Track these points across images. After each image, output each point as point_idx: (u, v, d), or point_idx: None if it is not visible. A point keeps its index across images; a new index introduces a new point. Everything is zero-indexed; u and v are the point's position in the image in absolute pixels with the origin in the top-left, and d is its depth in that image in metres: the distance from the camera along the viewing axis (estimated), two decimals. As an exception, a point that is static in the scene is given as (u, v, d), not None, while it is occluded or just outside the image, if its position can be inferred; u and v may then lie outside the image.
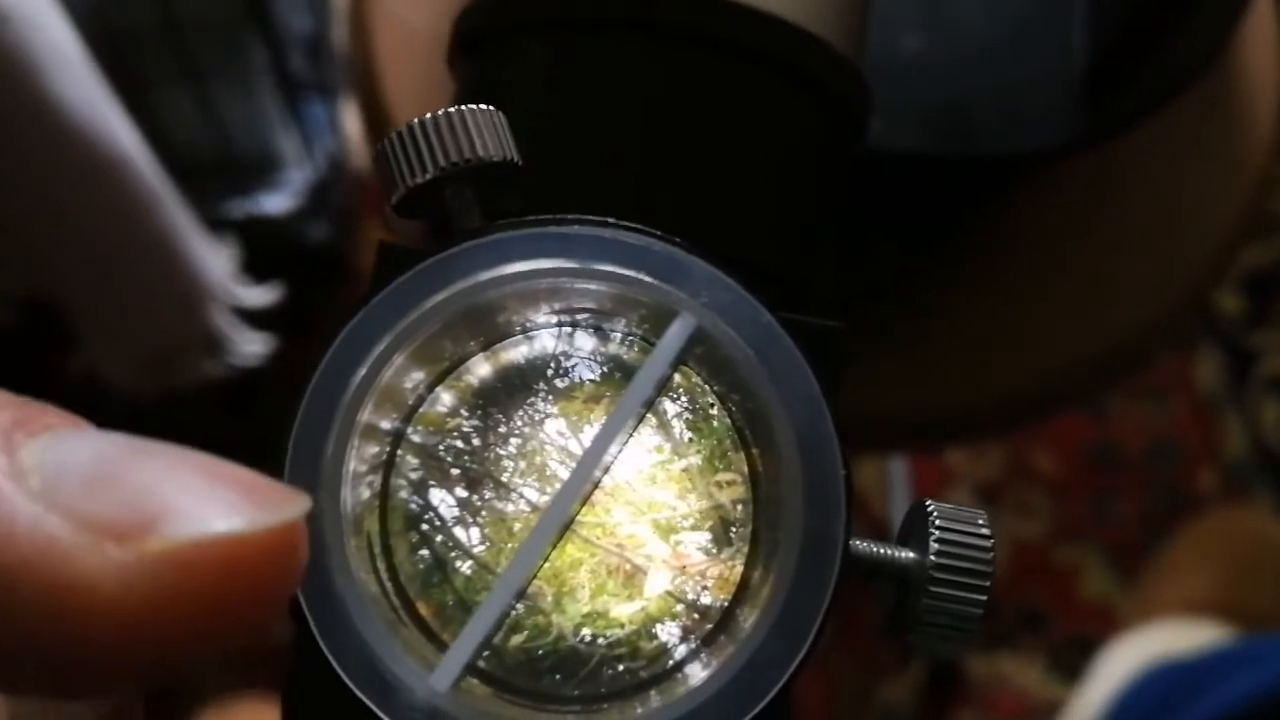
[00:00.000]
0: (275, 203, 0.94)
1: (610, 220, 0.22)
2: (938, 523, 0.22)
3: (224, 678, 0.97)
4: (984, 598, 0.22)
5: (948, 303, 0.59)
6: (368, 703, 0.20)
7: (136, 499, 0.16)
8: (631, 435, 0.23)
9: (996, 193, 0.60)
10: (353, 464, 0.22)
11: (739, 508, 0.23)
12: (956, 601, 0.22)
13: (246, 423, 0.96)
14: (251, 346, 0.88)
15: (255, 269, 0.88)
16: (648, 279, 0.22)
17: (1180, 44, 0.52)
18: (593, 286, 0.23)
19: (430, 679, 0.21)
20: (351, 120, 1.02)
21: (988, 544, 0.22)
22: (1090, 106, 0.55)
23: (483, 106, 0.23)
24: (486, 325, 0.23)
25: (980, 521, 0.23)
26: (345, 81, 1.01)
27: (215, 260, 0.84)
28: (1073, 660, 1.01)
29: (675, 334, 0.22)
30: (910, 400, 0.58)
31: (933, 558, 0.22)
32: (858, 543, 0.22)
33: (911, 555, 0.23)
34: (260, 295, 0.88)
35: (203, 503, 0.16)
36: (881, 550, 0.23)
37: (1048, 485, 1.10)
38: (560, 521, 0.22)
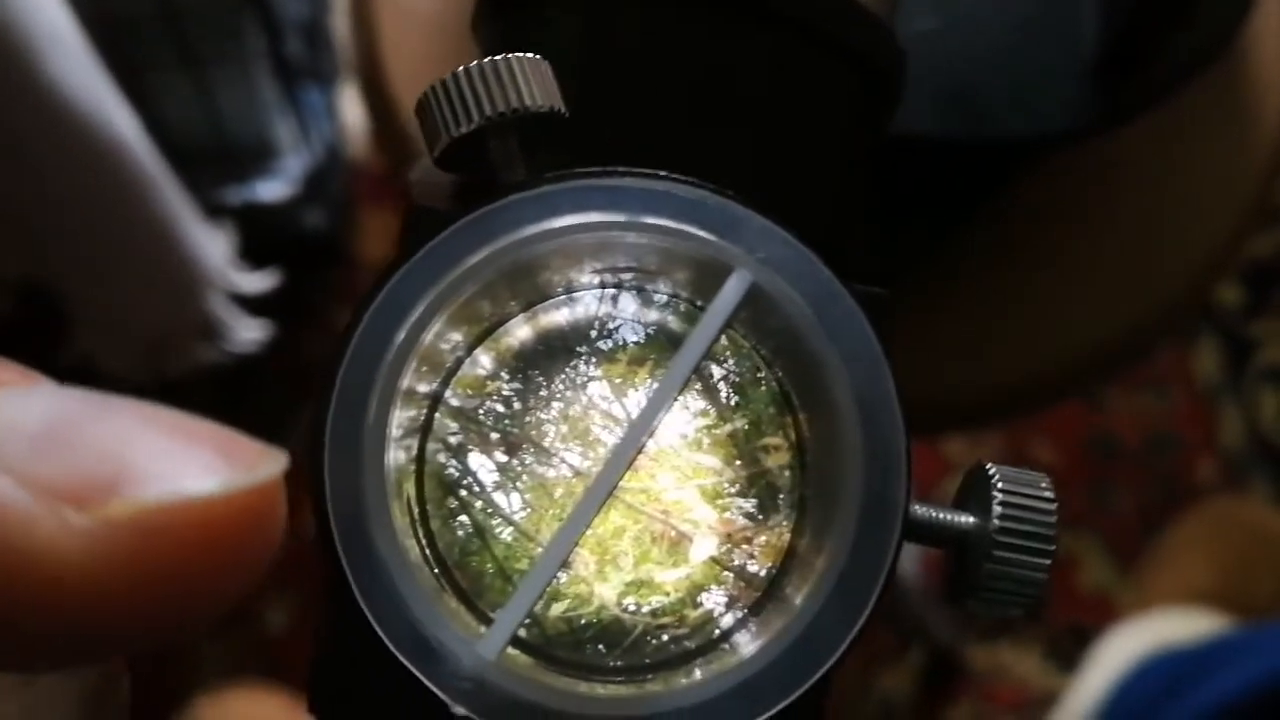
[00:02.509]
0: (272, 189, 0.94)
1: (662, 173, 0.21)
2: (1000, 485, 0.22)
3: (218, 665, 0.97)
4: (1048, 562, 0.21)
5: (952, 289, 0.59)
6: (415, 671, 0.20)
7: (95, 459, 0.14)
8: (677, 399, 0.22)
9: (1004, 178, 0.59)
10: (392, 428, 0.21)
11: (785, 474, 0.22)
12: (1020, 566, 0.21)
13: (244, 409, 0.95)
14: (248, 333, 0.88)
15: (252, 256, 0.88)
16: (701, 233, 0.21)
17: (1190, 31, 0.51)
18: (643, 241, 0.22)
19: (478, 647, 0.20)
20: (349, 107, 1.01)
21: (1051, 507, 0.22)
22: (1100, 92, 0.55)
23: (529, 55, 0.22)
24: (527, 285, 0.22)
25: (1043, 484, 0.22)
26: (342, 68, 1.00)
27: (212, 246, 0.84)
28: (1071, 650, 1.01)
29: (732, 290, 0.21)
30: (912, 388, 0.57)
31: (996, 521, 0.21)
32: (917, 507, 0.21)
33: (972, 519, 0.22)
34: (257, 282, 0.87)
35: (172, 462, 0.14)
36: (941, 515, 0.22)
37: (1046, 474, 1.10)
38: (610, 488, 0.21)
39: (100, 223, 0.77)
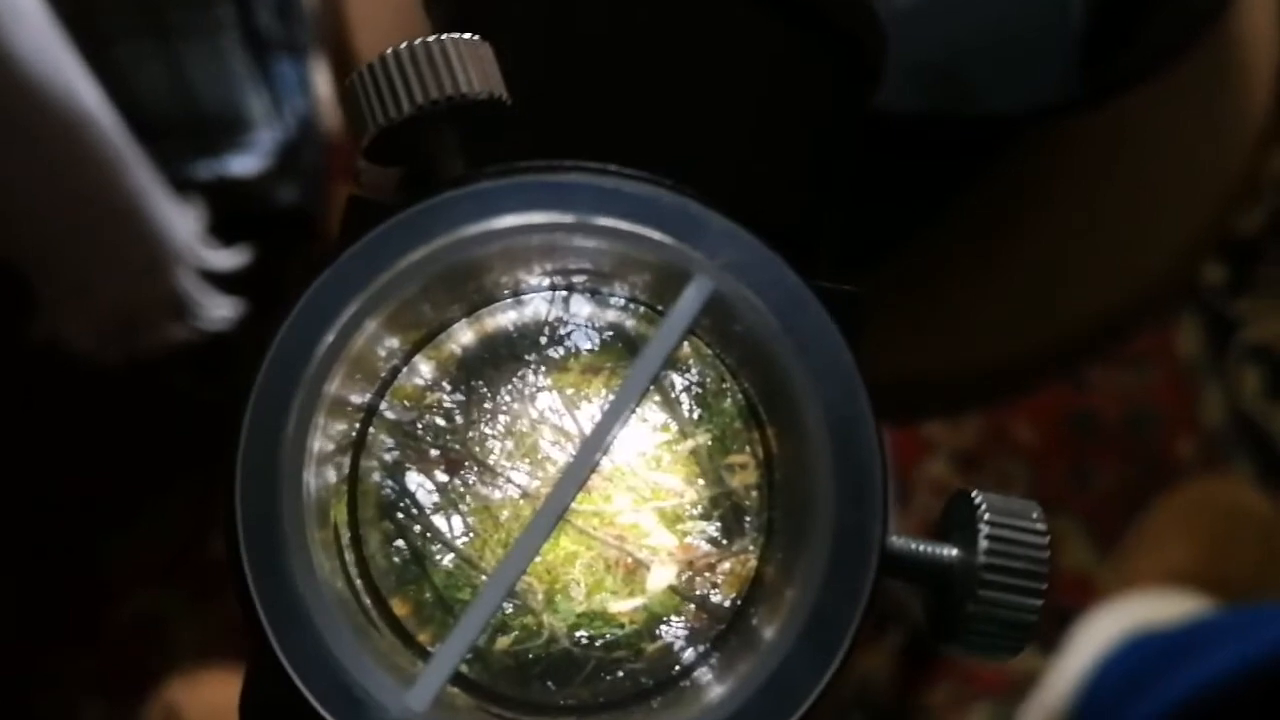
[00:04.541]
0: (244, 164, 0.92)
1: (613, 168, 0.19)
2: (987, 517, 0.20)
3: (192, 647, 0.96)
4: (1039, 602, 0.19)
5: (935, 268, 0.58)
6: None
7: None
8: (634, 412, 0.20)
9: (991, 155, 0.58)
10: (318, 443, 0.19)
11: (752, 494, 0.20)
12: (1009, 607, 0.19)
13: (215, 389, 0.94)
14: (219, 310, 0.86)
15: (223, 231, 0.86)
16: (658, 236, 0.19)
17: (1177, 6, 0.50)
18: (592, 245, 0.20)
19: (406, 697, 0.18)
20: (322, 80, 1.00)
21: (1044, 541, 0.20)
22: (1088, 67, 0.54)
23: (466, 36, 0.20)
24: (470, 287, 0.20)
25: (1034, 515, 0.20)
26: (315, 40, 0.98)
27: (182, 222, 0.82)
28: (1051, 631, 1.01)
29: (691, 298, 0.19)
30: (898, 370, 0.56)
31: (983, 556, 0.19)
32: (894, 538, 0.19)
33: (955, 552, 0.20)
34: (228, 258, 0.86)
35: None
36: (921, 547, 0.20)
37: (1026, 455, 1.09)
38: (561, 510, 0.19)
39: (66, 198, 0.75)
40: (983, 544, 0.20)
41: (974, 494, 0.20)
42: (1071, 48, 0.54)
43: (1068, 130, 0.58)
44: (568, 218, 0.19)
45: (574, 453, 0.20)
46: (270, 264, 0.89)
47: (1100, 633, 0.92)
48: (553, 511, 0.19)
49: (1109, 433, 1.11)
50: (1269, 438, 1.11)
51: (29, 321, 0.83)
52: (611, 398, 0.19)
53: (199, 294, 0.85)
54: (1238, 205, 0.62)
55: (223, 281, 0.86)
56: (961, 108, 0.52)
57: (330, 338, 0.19)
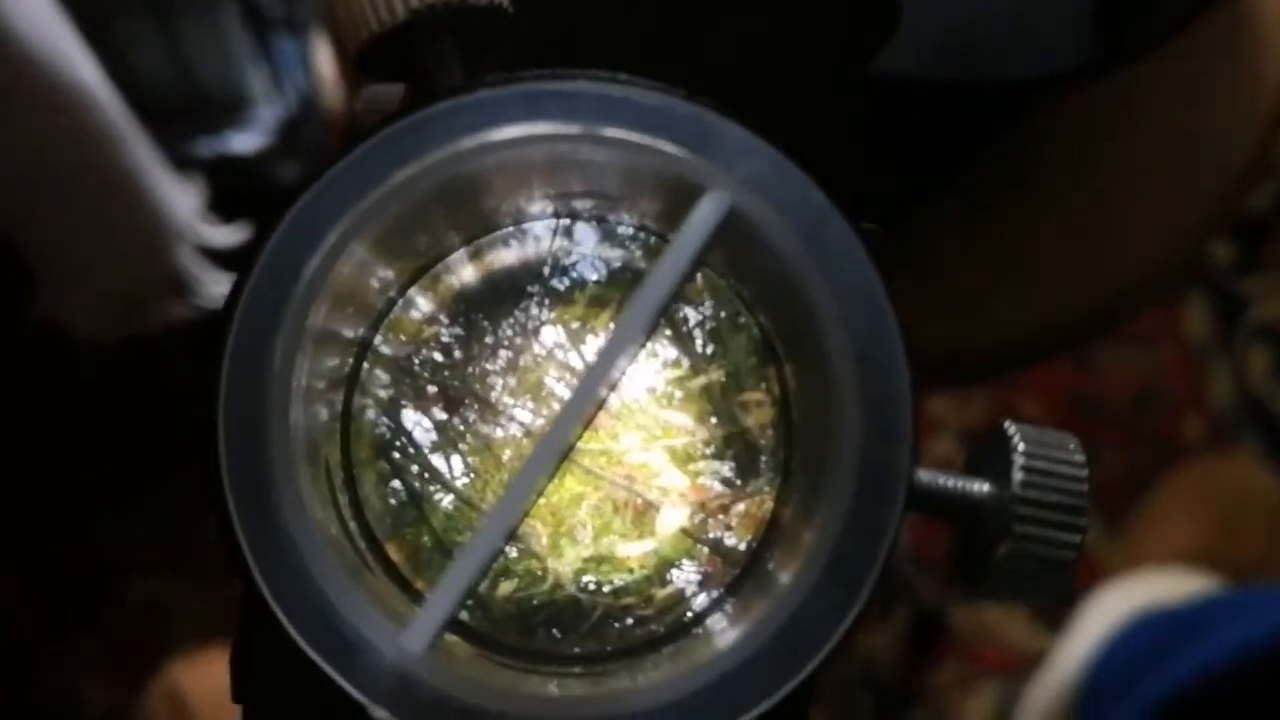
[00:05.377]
0: (244, 141, 0.91)
1: (623, 76, 0.18)
2: (1021, 448, 0.18)
3: (193, 629, 0.95)
4: (1078, 538, 0.18)
5: (944, 239, 0.57)
6: (325, 668, 0.17)
7: None
8: (644, 346, 0.19)
9: (1004, 123, 0.58)
10: (305, 378, 0.18)
11: (768, 433, 0.19)
12: (1046, 543, 0.18)
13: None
14: (219, 288, 0.85)
15: (223, 209, 0.85)
16: (669, 147, 0.18)
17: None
18: (600, 159, 0.18)
19: (401, 638, 0.17)
20: (323, 57, 0.99)
21: (1082, 473, 0.18)
22: (1103, 32, 0.53)
23: None
24: (468, 214, 0.19)
25: (1071, 446, 0.19)
26: (315, 16, 0.98)
27: (182, 199, 0.81)
28: (1057, 610, 1.00)
29: (704, 215, 0.18)
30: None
31: (1017, 490, 0.18)
32: (921, 473, 0.18)
33: (988, 487, 0.19)
34: (229, 235, 0.85)
35: None
36: (951, 482, 0.19)
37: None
38: (559, 448, 0.18)
39: (64, 176, 0.75)
40: (1017, 476, 0.18)
41: (1006, 424, 0.19)
42: (1087, 12, 0.53)
43: (1078, 104, 0.57)
44: (573, 128, 0.18)
45: (575, 384, 0.19)
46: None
47: (1108, 612, 0.91)
48: (553, 446, 0.17)
49: (1116, 413, 1.10)
50: (1277, 417, 1.11)
51: (28, 302, 0.83)
52: (617, 326, 0.18)
53: (199, 272, 0.84)
54: (1250, 182, 0.61)
55: (223, 259, 0.85)
56: (977, 75, 0.51)
57: (316, 261, 0.17)
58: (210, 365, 0.17)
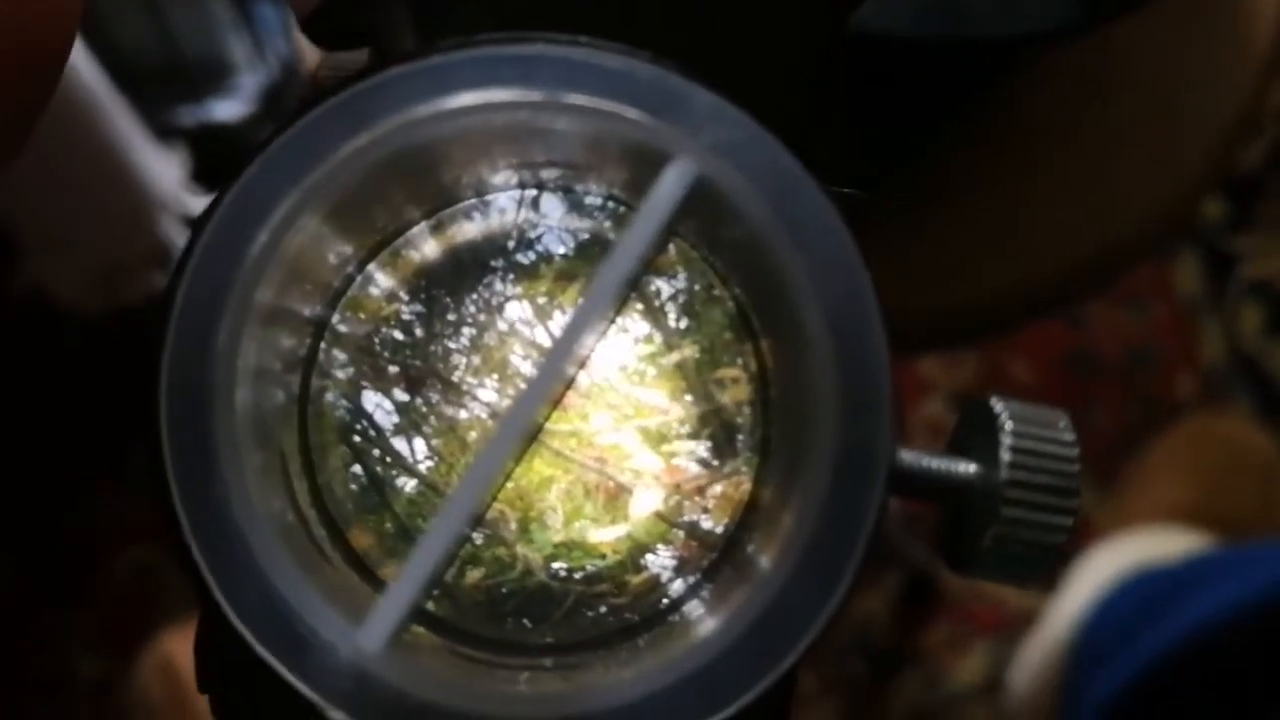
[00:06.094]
0: (227, 109, 0.91)
1: (583, 39, 0.17)
2: (1009, 427, 0.18)
3: (183, 599, 0.95)
4: (1069, 521, 0.17)
5: (932, 200, 0.57)
6: (277, 667, 0.16)
7: None
8: (613, 321, 0.18)
9: (987, 82, 0.57)
10: (255, 358, 0.17)
11: (745, 411, 0.18)
12: (1035, 527, 0.17)
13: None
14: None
15: (207, 178, 0.85)
16: (633, 113, 0.17)
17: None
18: (562, 127, 0.17)
19: (358, 635, 0.16)
20: (305, 22, 0.98)
21: (1073, 453, 0.18)
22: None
23: None
24: (428, 186, 0.18)
25: (1061, 424, 0.18)
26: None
27: (165, 169, 0.81)
28: (1049, 570, 1.01)
29: (671, 183, 0.17)
30: (892, 302, 0.55)
31: (1006, 472, 0.18)
32: (904, 454, 0.17)
33: (974, 468, 0.18)
34: (213, 205, 0.85)
35: None
36: (934, 464, 0.18)
37: (1025, 394, 1.08)
38: (524, 428, 0.17)
39: (46, 145, 0.74)
40: (1005, 457, 0.18)
41: (993, 401, 0.18)
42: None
43: (1064, 61, 0.56)
44: (533, 95, 0.17)
45: (539, 360, 0.18)
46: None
47: (1099, 571, 0.91)
48: (516, 425, 0.17)
49: (1108, 371, 1.10)
50: (1268, 375, 1.11)
51: (11, 272, 0.82)
52: (582, 300, 0.17)
53: (183, 242, 0.84)
54: (1241, 139, 0.60)
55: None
56: (957, 33, 0.50)
57: (263, 235, 0.17)
58: (151, 348, 0.17)
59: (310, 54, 0.99)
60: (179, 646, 0.88)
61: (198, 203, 0.83)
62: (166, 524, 0.16)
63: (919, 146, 0.57)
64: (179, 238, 0.83)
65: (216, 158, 0.87)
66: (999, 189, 0.58)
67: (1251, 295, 1.14)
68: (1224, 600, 0.74)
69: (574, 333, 0.17)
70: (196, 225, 0.17)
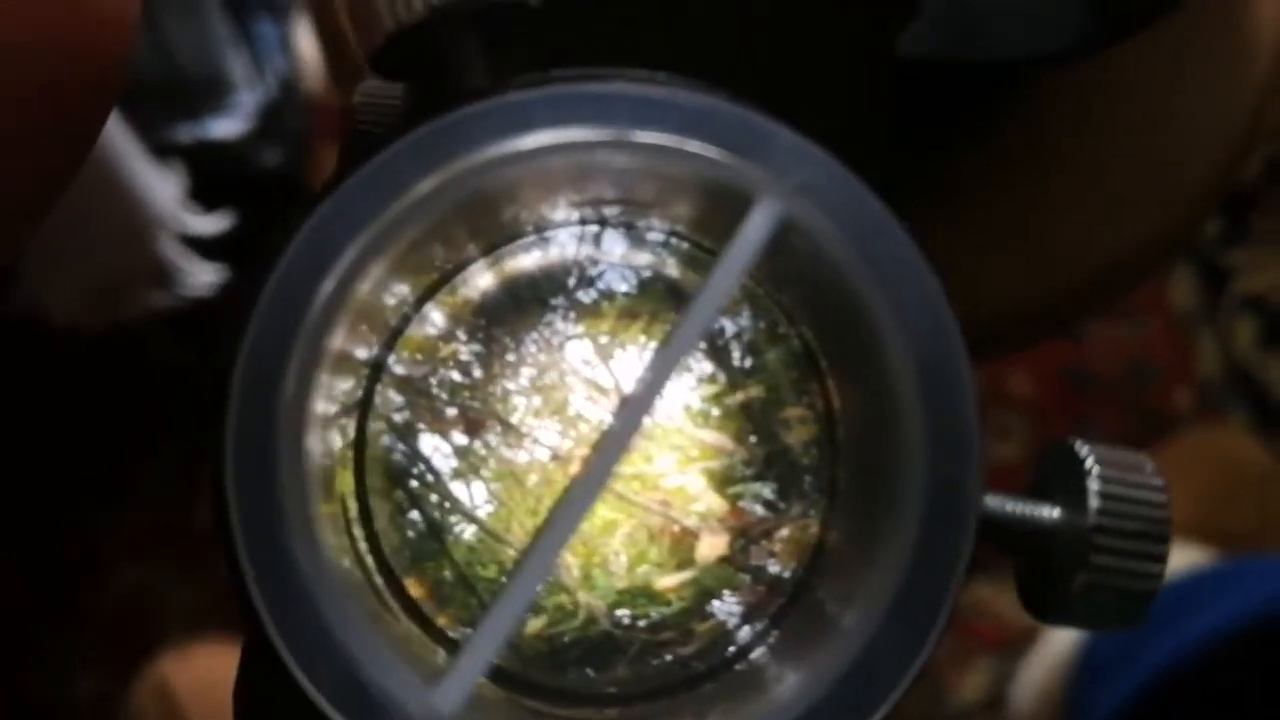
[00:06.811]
0: (225, 127, 0.90)
1: (661, 75, 0.17)
2: (1096, 471, 0.17)
3: (183, 619, 0.95)
4: (1160, 569, 0.17)
5: (937, 218, 0.57)
6: None
7: None
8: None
9: (998, 100, 0.57)
10: (320, 405, 0.16)
11: (811, 451, 0.18)
12: (1125, 575, 0.17)
13: (200, 356, 0.93)
14: (202, 276, 0.84)
15: (205, 196, 0.84)
16: (715, 153, 0.16)
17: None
18: (637, 166, 0.17)
19: (433, 696, 0.15)
20: (304, 39, 0.98)
21: (1163, 499, 0.17)
22: (1096, 9, 0.52)
23: None
24: (489, 223, 0.18)
25: (1149, 469, 0.18)
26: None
27: (163, 187, 0.80)
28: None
29: (758, 226, 0.16)
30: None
31: (1094, 518, 0.17)
32: (988, 498, 0.17)
33: (1058, 513, 0.17)
34: (210, 223, 0.84)
35: None
36: (1017, 508, 0.17)
37: (1023, 408, 1.08)
38: (601, 484, 0.16)
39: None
40: (1093, 503, 0.17)
41: (1078, 444, 0.18)
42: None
43: (1069, 80, 0.56)
44: (609, 134, 0.16)
45: (616, 411, 0.17)
46: (253, 228, 0.88)
47: (1100, 587, 0.91)
48: (595, 480, 0.16)
49: (1106, 385, 1.10)
50: (1264, 388, 1.11)
51: (8, 291, 0.82)
52: (659, 346, 0.17)
53: (181, 260, 0.83)
54: (1244, 155, 0.60)
55: (205, 247, 0.84)
56: (971, 52, 0.50)
57: (332, 283, 0.16)
58: (216, 398, 0.16)
59: (310, 73, 0.99)
60: (175, 670, 0.87)
61: (195, 222, 0.83)
62: (230, 581, 0.16)
63: (924, 166, 0.57)
64: (177, 257, 0.82)
65: (214, 175, 0.86)
66: (997, 210, 0.58)
67: (1246, 309, 1.14)
68: (1224, 616, 0.74)
69: (656, 381, 0.16)
70: (262, 271, 0.16)
